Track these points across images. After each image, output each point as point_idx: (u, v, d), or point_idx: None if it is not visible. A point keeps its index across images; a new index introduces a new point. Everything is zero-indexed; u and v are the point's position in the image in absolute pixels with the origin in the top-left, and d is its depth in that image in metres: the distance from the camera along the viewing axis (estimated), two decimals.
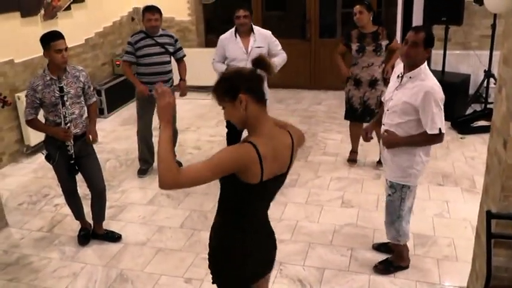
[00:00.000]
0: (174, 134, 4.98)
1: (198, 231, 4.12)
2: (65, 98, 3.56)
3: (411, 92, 3.06)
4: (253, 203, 2.17)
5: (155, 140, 4.63)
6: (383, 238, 3.76)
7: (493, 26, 6.24)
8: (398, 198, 3.26)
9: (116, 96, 7.29)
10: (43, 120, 3.73)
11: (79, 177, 3.87)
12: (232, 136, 4.73)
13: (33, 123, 3.69)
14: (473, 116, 6.26)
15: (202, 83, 7.55)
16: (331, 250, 3.80)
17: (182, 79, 5.09)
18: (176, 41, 5.08)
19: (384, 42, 4.77)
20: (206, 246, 3.91)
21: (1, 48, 5.41)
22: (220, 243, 2.26)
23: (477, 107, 6.61)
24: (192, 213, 4.42)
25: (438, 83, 3.06)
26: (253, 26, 4.72)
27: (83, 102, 3.73)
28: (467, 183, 4.79)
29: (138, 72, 4.98)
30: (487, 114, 6.07)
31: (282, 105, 7.28)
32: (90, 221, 4.09)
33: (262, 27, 4.89)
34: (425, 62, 3.12)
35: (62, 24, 6.13)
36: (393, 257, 3.54)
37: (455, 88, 6.24)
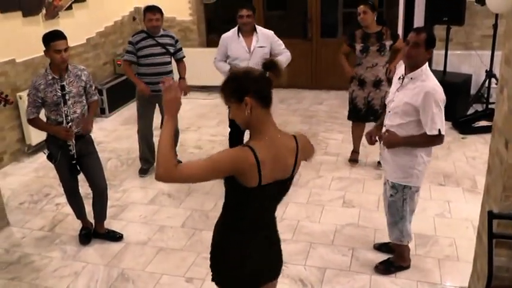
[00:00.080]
0: (176, 133, 4.98)
1: (199, 230, 4.12)
2: (67, 97, 3.56)
3: (412, 93, 3.06)
4: (251, 206, 2.15)
5: (156, 139, 4.68)
6: (384, 238, 3.76)
7: (495, 26, 6.24)
8: (400, 199, 3.26)
9: (117, 96, 7.29)
10: (45, 120, 3.73)
11: (80, 177, 3.87)
12: (235, 136, 4.74)
13: (35, 122, 3.70)
14: (474, 116, 6.26)
15: (204, 82, 7.57)
16: (332, 250, 3.80)
17: (182, 77, 5.10)
18: (177, 41, 5.09)
19: (388, 42, 4.76)
20: (207, 246, 3.92)
21: (2, 48, 5.41)
22: (219, 243, 2.27)
23: (478, 107, 6.61)
24: (193, 212, 4.42)
25: (439, 84, 3.06)
26: (256, 26, 4.72)
27: (84, 102, 3.74)
28: (469, 183, 4.78)
29: (138, 73, 4.98)
30: (488, 114, 6.07)
31: (284, 105, 7.28)
32: (92, 220, 4.09)
33: (264, 27, 4.89)
34: (427, 63, 3.12)
35: (63, 23, 6.13)
36: (394, 257, 3.54)
37: (456, 88, 6.24)
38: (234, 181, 2.05)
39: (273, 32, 4.79)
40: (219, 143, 5.82)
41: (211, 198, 4.59)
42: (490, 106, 6.40)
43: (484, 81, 6.58)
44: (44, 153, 3.79)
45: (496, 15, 6.15)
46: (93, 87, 3.86)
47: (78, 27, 6.60)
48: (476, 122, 6.14)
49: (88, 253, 3.89)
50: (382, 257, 3.63)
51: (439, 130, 3.01)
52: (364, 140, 5.30)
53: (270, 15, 8.34)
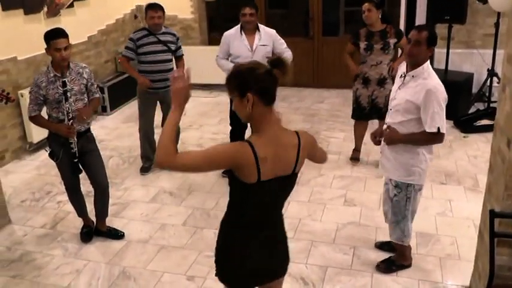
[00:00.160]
0: (177, 131, 4.97)
1: (200, 229, 4.13)
2: (68, 95, 3.56)
3: (414, 91, 3.06)
4: (251, 202, 2.15)
5: (157, 137, 4.68)
6: (386, 237, 3.76)
7: (497, 25, 6.23)
8: (403, 198, 3.25)
9: (119, 94, 7.29)
10: (46, 117, 3.73)
11: (82, 175, 3.86)
12: (236, 134, 4.74)
13: (36, 120, 3.70)
14: (476, 115, 6.26)
15: (205, 81, 7.57)
16: (333, 248, 3.80)
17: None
18: (178, 39, 5.09)
19: (392, 41, 4.75)
20: (208, 244, 3.94)
21: (4, 46, 5.41)
22: (222, 240, 2.29)
23: (480, 106, 6.60)
24: (195, 211, 4.42)
25: (441, 83, 3.06)
26: (259, 24, 4.72)
27: (86, 100, 3.73)
28: (470, 182, 4.78)
29: (139, 70, 4.99)
30: (490, 113, 6.06)
31: (285, 104, 7.28)
32: (93, 218, 4.10)
33: (265, 25, 4.90)
34: (428, 61, 3.11)
35: (64, 21, 6.13)
36: (396, 256, 3.54)
37: (458, 87, 6.23)
38: (234, 176, 2.07)
39: (275, 31, 4.79)
40: (220, 141, 5.81)
41: (212, 197, 4.59)
42: (491, 105, 6.39)
43: (486, 80, 6.57)
44: (46, 150, 3.80)
45: (498, 14, 6.15)
46: (95, 85, 3.85)
47: (79, 25, 6.59)
48: (477, 121, 6.13)
49: (89, 251, 3.89)
50: (383, 255, 3.63)
51: (438, 128, 3.01)
52: (365, 138, 5.33)
53: (271, 14, 8.33)
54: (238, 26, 4.71)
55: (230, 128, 4.93)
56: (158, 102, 5.14)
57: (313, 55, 8.09)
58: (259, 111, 2.03)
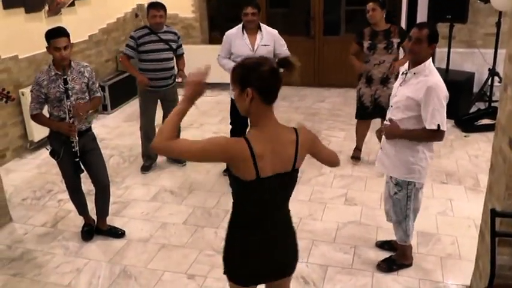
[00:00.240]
0: (178, 130, 4.98)
1: (201, 227, 4.13)
2: (70, 93, 3.56)
3: (415, 88, 3.06)
4: (251, 200, 2.15)
5: None
6: (386, 236, 3.77)
7: (498, 24, 6.23)
8: (404, 197, 3.25)
9: (120, 93, 7.29)
10: (48, 116, 3.73)
11: (83, 173, 3.87)
12: (237, 133, 4.74)
13: (38, 118, 3.70)
14: (477, 114, 6.25)
15: (206, 79, 7.55)
16: (334, 248, 3.80)
17: (181, 69, 5.10)
18: (179, 37, 5.10)
19: (396, 40, 4.74)
20: (209, 243, 3.95)
21: (5, 44, 5.42)
22: (226, 238, 2.29)
23: (481, 105, 6.60)
24: (196, 209, 4.42)
25: (442, 80, 3.06)
26: (261, 24, 4.72)
27: (87, 99, 3.72)
28: (471, 182, 4.78)
29: (140, 68, 4.98)
30: (491, 112, 6.06)
31: (286, 103, 7.27)
32: (94, 217, 4.10)
33: (266, 25, 4.89)
34: (430, 59, 3.11)
35: (65, 20, 6.13)
36: (396, 255, 3.54)
37: (459, 86, 6.23)
38: (232, 175, 2.09)
39: (277, 31, 4.79)
40: None
41: (213, 196, 4.59)
42: (492, 104, 6.39)
43: (487, 79, 6.57)
44: (47, 149, 3.80)
45: (499, 13, 6.14)
46: (97, 85, 3.84)
47: (80, 24, 6.59)
48: (478, 120, 6.13)
49: (90, 249, 3.89)
50: (384, 254, 3.63)
51: (438, 125, 3.00)
52: (367, 138, 5.33)
53: (273, 13, 8.32)
54: (240, 25, 4.71)
55: (231, 127, 4.94)
56: (159, 100, 5.13)
57: (314, 54, 8.08)
58: (258, 107, 2.04)
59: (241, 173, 2.05)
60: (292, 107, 7.19)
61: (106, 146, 5.72)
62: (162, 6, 4.87)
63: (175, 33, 5.06)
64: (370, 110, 5.04)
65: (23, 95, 5.54)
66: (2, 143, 5.47)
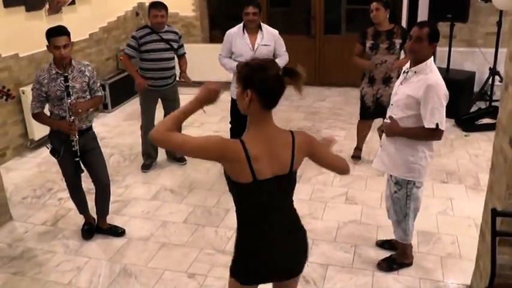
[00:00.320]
0: (178, 130, 4.98)
1: (201, 226, 4.13)
2: (70, 92, 3.56)
3: (415, 86, 3.06)
4: (249, 202, 2.15)
5: None
6: (387, 235, 3.76)
7: (499, 24, 6.22)
8: (403, 196, 3.25)
9: (120, 91, 7.29)
10: (48, 115, 3.73)
11: (83, 172, 3.87)
12: (236, 131, 4.75)
13: (39, 117, 3.70)
14: (477, 114, 6.25)
15: (206, 78, 7.42)
16: (334, 247, 3.80)
17: (183, 71, 5.10)
18: (180, 37, 5.09)
19: (398, 41, 4.72)
20: (209, 242, 3.95)
21: (6, 43, 5.41)
22: (236, 240, 2.28)
23: (482, 105, 6.59)
24: (196, 208, 4.42)
25: (442, 79, 3.06)
26: (262, 24, 4.72)
27: (88, 98, 3.72)
28: (472, 181, 4.78)
29: (141, 67, 4.99)
30: (491, 112, 6.06)
31: (287, 102, 7.24)
32: (94, 216, 4.10)
33: (267, 24, 4.89)
34: (432, 58, 3.11)
35: (66, 18, 6.13)
36: (396, 254, 3.54)
37: (460, 85, 6.23)
38: (229, 179, 2.10)
39: (278, 32, 4.78)
40: None
41: (213, 195, 4.59)
42: (493, 104, 6.39)
43: (488, 78, 6.56)
44: (47, 147, 3.80)
45: (500, 13, 6.14)
46: (98, 84, 3.83)
47: (81, 22, 6.59)
48: (479, 120, 6.13)
49: (90, 248, 3.89)
50: (384, 254, 3.63)
51: (437, 124, 3.00)
52: (368, 137, 5.32)
53: (273, 12, 8.32)
54: (241, 24, 4.71)
55: (230, 125, 4.94)
56: (160, 99, 5.13)
57: (315, 53, 8.07)
58: (256, 110, 2.04)
59: (237, 176, 2.06)
60: (293, 106, 7.18)
61: (106, 145, 5.72)
62: (163, 6, 4.87)
63: (176, 33, 5.05)
64: (371, 110, 5.03)
65: (23, 93, 5.54)
66: (2, 141, 5.47)
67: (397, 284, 3.37)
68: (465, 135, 5.88)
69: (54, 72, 3.56)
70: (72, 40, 3.59)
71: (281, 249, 2.22)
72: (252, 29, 4.65)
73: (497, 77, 6.41)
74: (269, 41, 4.66)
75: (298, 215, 2.34)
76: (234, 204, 2.23)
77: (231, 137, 4.92)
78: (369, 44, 4.81)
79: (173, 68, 5.04)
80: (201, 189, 4.75)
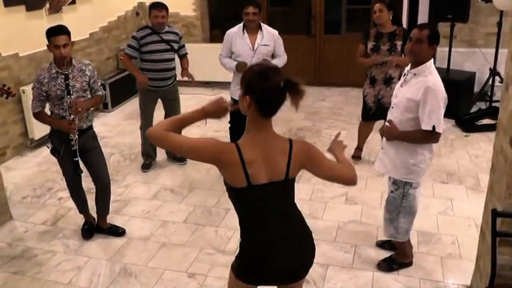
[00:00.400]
0: (179, 130, 4.98)
1: (202, 226, 4.13)
2: (71, 92, 3.55)
3: (414, 88, 3.06)
4: (243, 207, 2.16)
5: None
6: None
7: (499, 24, 6.22)
8: (399, 196, 3.26)
9: (120, 91, 7.29)
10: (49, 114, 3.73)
11: (83, 171, 3.86)
12: (235, 131, 4.75)
13: (40, 116, 3.70)
14: (478, 114, 6.25)
15: (207, 78, 7.56)
16: (334, 247, 3.80)
17: (185, 68, 5.09)
18: (180, 38, 5.10)
19: (399, 43, 4.71)
20: (209, 242, 3.95)
21: (6, 42, 5.41)
22: (240, 237, 2.29)
23: (482, 105, 6.59)
24: (196, 208, 4.42)
25: (441, 81, 3.05)
26: (262, 24, 4.72)
27: (88, 97, 3.71)
28: (472, 181, 4.78)
29: (142, 68, 4.98)
30: (492, 112, 6.06)
31: (287, 102, 7.25)
32: (94, 215, 4.10)
33: (267, 24, 4.89)
34: (432, 60, 3.11)
35: (66, 18, 6.13)
36: (396, 254, 3.54)
37: (460, 86, 6.23)
38: (225, 183, 2.12)
39: (278, 32, 4.78)
40: (222, 139, 5.80)
41: (213, 194, 4.59)
42: (493, 104, 6.39)
43: (488, 79, 6.56)
44: (48, 147, 3.80)
45: (501, 13, 6.14)
46: (98, 83, 3.81)
47: (81, 22, 6.59)
48: (479, 120, 6.13)
49: (91, 248, 3.89)
50: (384, 254, 3.63)
51: (434, 127, 3.00)
52: (368, 138, 5.32)
53: (273, 12, 8.32)
54: (241, 24, 4.70)
55: (229, 125, 4.94)
56: (160, 99, 5.13)
57: (315, 53, 8.07)
58: (254, 116, 2.05)
59: (232, 181, 2.06)
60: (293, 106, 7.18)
61: (106, 144, 5.72)
62: (164, 7, 4.87)
63: (176, 34, 5.06)
64: (373, 111, 5.02)
65: (23, 92, 5.54)
66: (2, 140, 5.47)
67: (397, 284, 3.37)
68: (465, 136, 5.88)
69: (54, 71, 3.56)
70: (72, 39, 3.59)
71: (282, 249, 2.20)
72: (252, 29, 4.65)
73: (497, 78, 6.40)
74: (269, 41, 4.67)
75: (303, 217, 2.32)
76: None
77: (231, 137, 4.93)
78: (370, 45, 4.80)
79: (174, 68, 5.04)
80: (201, 189, 4.75)
